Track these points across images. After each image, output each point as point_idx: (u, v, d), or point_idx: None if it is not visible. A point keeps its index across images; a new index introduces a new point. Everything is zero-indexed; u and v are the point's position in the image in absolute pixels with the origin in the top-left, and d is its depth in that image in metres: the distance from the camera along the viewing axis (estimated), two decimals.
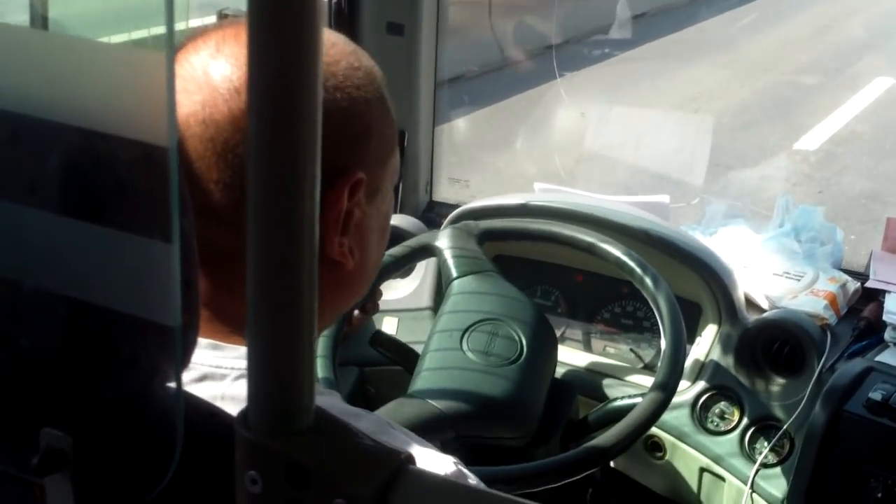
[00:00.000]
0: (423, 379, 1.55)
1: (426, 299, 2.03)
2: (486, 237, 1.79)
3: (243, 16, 0.66)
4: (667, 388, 1.51)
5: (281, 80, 0.55)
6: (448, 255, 1.72)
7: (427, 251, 1.76)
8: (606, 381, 1.85)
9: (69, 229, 0.67)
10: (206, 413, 0.77)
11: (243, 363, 0.93)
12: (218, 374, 0.93)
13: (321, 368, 1.56)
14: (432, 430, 1.46)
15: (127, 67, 0.68)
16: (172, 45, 0.61)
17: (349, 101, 0.96)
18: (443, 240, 1.74)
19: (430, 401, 1.49)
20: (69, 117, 0.67)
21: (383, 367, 1.84)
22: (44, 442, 0.68)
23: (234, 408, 0.68)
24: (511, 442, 1.54)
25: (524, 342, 1.63)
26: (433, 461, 0.96)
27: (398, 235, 2.02)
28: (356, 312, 1.60)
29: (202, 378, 0.93)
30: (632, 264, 1.65)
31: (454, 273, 1.70)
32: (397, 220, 2.10)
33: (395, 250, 1.74)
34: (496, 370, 1.57)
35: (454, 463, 0.98)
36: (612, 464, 1.86)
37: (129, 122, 0.65)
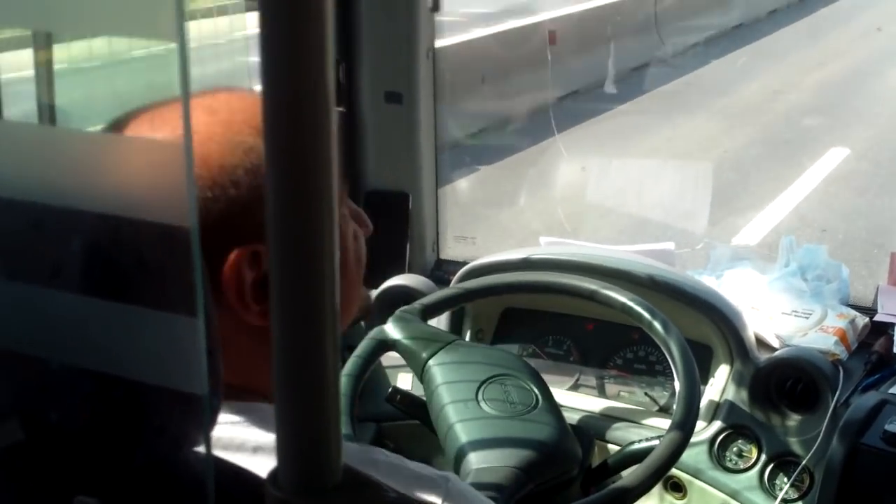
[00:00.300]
0: (458, 437, 1.56)
1: None
2: (428, 313, 1.79)
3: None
4: (684, 428, 1.52)
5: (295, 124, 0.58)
6: (408, 342, 1.70)
7: (385, 346, 1.72)
8: (622, 426, 1.87)
9: (95, 308, 0.69)
10: (232, 475, 0.79)
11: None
12: None
13: (345, 387, 1.58)
14: (520, 490, 1.49)
15: (145, 156, 0.71)
16: (189, 128, 0.64)
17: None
18: (393, 332, 1.72)
19: (495, 464, 1.50)
20: (90, 205, 0.70)
21: (401, 423, 1.85)
22: None
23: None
24: (566, 477, 1.56)
25: (535, 388, 1.65)
26: (433, 478, 1.01)
27: (409, 295, 2.04)
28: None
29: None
30: (637, 308, 1.67)
31: (424, 354, 1.68)
32: (407, 280, 2.13)
33: (359, 352, 1.71)
34: (529, 417, 1.60)
35: (455, 479, 1.00)
36: None
37: (149, 205, 0.68)
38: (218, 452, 0.84)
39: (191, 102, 0.99)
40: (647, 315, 1.65)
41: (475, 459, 1.52)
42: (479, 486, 1.46)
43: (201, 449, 0.75)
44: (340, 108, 2.28)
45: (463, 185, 6.13)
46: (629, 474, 1.51)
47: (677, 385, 1.58)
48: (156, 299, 0.69)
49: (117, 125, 1.00)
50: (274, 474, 0.62)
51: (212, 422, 0.76)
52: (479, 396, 1.61)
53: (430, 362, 1.67)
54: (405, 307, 1.77)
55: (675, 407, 1.57)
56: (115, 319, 0.70)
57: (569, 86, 7.83)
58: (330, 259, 0.59)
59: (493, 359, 1.72)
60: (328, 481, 0.62)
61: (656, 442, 1.55)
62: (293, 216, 0.58)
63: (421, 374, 1.68)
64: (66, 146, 0.72)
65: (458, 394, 1.62)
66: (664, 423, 1.80)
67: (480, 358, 1.71)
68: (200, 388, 0.67)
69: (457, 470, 1.54)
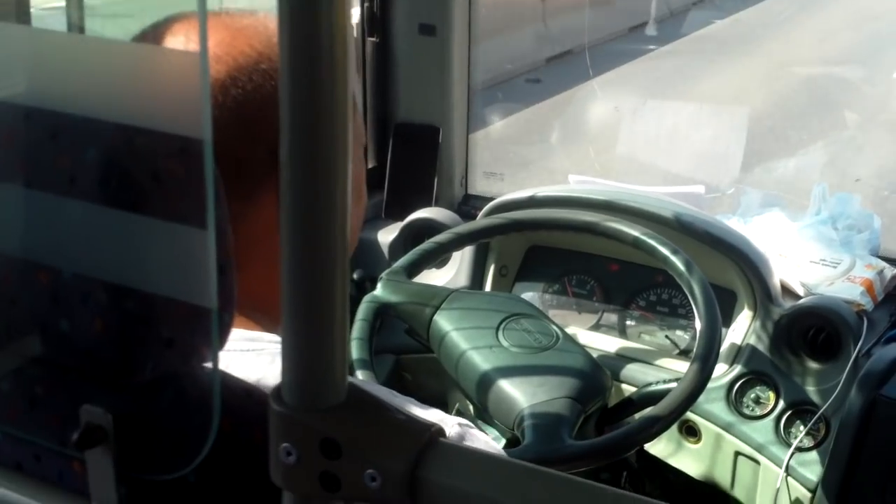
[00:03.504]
0: (494, 382, 1.55)
1: (464, 284, 2.05)
2: (413, 270, 1.77)
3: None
4: (703, 372, 1.51)
5: (312, 67, 0.57)
6: (406, 303, 1.68)
7: (386, 309, 1.69)
8: (642, 367, 1.86)
9: (108, 219, 0.69)
10: (241, 392, 0.79)
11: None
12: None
13: (357, 350, 1.58)
14: (577, 419, 1.49)
15: (162, 66, 0.71)
16: (206, 41, 0.63)
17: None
18: (387, 296, 1.69)
19: (546, 397, 1.50)
20: (107, 114, 0.70)
21: (419, 355, 1.86)
22: (84, 419, 0.71)
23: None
24: (600, 405, 1.57)
25: (550, 324, 1.66)
26: (438, 423, 0.98)
27: (435, 228, 2.04)
28: None
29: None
30: (658, 246, 1.65)
31: (426, 311, 1.66)
32: (434, 213, 2.13)
33: (361, 315, 1.66)
34: (557, 349, 1.61)
35: (459, 423, 1.00)
36: (647, 448, 1.87)
37: (165, 116, 0.68)
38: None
39: (216, 20, 0.98)
40: (668, 253, 1.64)
41: (523, 400, 1.51)
42: (542, 424, 1.46)
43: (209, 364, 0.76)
44: (374, 39, 2.26)
45: (496, 124, 6.10)
46: (644, 417, 1.51)
47: (698, 326, 1.57)
48: (170, 211, 0.69)
49: (152, 33, 0.99)
50: (278, 390, 0.63)
51: (222, 337, 0.77)
52: (501, 340, 1.61)
53: (436, 317, 1.66)
54: (389, 269, 1.74)
55: (694, 350, 1.56)
56: (129, 230, 0.70)
57: (608, 28, 7.76)
58: (342, 179, 0.59)
59: (501, 303, 1.72)
60: (332, 399, 0.62)
61: (674, 385, 1.55)
62: (307, 137, 0.58)
63: (427, 331, 1.66)
64: (85, 53, 0.72)
65: (478, 340, 1.61)
66: (683, 366, 1.80)
67: (486, 304, 1.71)
68: (210, 302, 0.68)
69: (501, 416, 1.53)
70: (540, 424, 1.46)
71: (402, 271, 1.73)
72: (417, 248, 1.81)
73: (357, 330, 1.62)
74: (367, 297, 1.68)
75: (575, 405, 1.50)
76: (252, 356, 0.94)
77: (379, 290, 1.69)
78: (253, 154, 0.96)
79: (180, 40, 0.97)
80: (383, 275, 1.72)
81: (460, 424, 1.00)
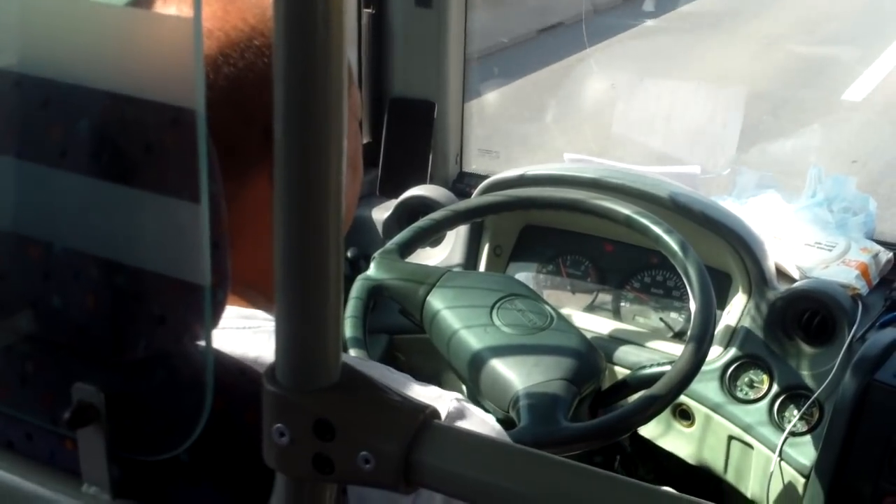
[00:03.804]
0: (487, 362, 1.54)
1: (458, 263, 2.04)
2: (405, 250, 1.75)
3: None
4: (697, 354, 1.51)
5: (307, 58, 0.56)
6: (399, 283, 1.67)
7: (379, 290, 1.67)
8: (636, 349, 1.86)
9: (99, 191, 0.68)
10: (235, 370, 0.78)
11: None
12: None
13: (351, 328, 1.57)
14: (573, 401, 1.48)
15: (154, 33, 0.69)
16: (199, 9, 0.62)
17: None
18: (380, 276, 1.67)
19: (542, 379, 1.49)
20: (98, 82, 0.68)
21: (413, 335, 1.85)
22: (76, 397, 0.70)
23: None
24: (594, 387, 1.56)
25: (544, 304, 1.65)
26: (436, 398, 0.98)
27: (429, 206, 2.03)
28: None
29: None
30: (647, 223, 1.64)
31: (420, 292, 1.65)
32: (428, 190, 2.11)
33: (355, 293, 1.65)
34: (551, 330, 1.59)
35: (456, 399, 0.99)
36: (640, 431, 1.87)
37: (157, 85, 0.66)
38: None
39: None
40: (661, 233, 1.62)
41: (518, 381, 1.50)
42: (537, 406, 1.45)
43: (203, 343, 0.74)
44: (370, 10, 2.24)
45: (490, 98, 6.08)
46: (637, 400, 1.50)
47: (693, 308, 1.56)
48: (162, 184, 0.68)
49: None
50: (272, 370, 0.62)
51: (216, 315, 0.75)
52: (494, 320, 1.60)
53: (430, 299, 1.64)
54: (382, 249, 1.73)
55: (689, 332, 1.55)
56: (121, 204, 0.69)
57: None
58: (337, 157, 0.58)
59: (493, 283, 1.71)
60: (325, 379, 0.61)
61: (668, 367, 1.54)
62: (301, 115, 0.57)
63: (420, 312, 1.65)
64: (75, 17, 0.71)
65: (471, 320, 1.60)
66: (678, 348, 1.80)
67: (480, 283, 1.70)
68: (203, 279, 0.66)
69: (495, 397, 1.52)
70: (536, 406, 1.45)
71: (395, 250, 1.72)
72: (411, 226, 1.80)
73: (350, 308, 1.60)
74: (360, 277, 1.67)
75: (570, 387, 1.49)
76: (248, 334, 0.92)
77: (372, 270, 1.67)
78: (247, 134, 0.93)
79: (172, 7, 0.94)
80: (376, 254, 1.71)
81: (458, 400, 0.99)
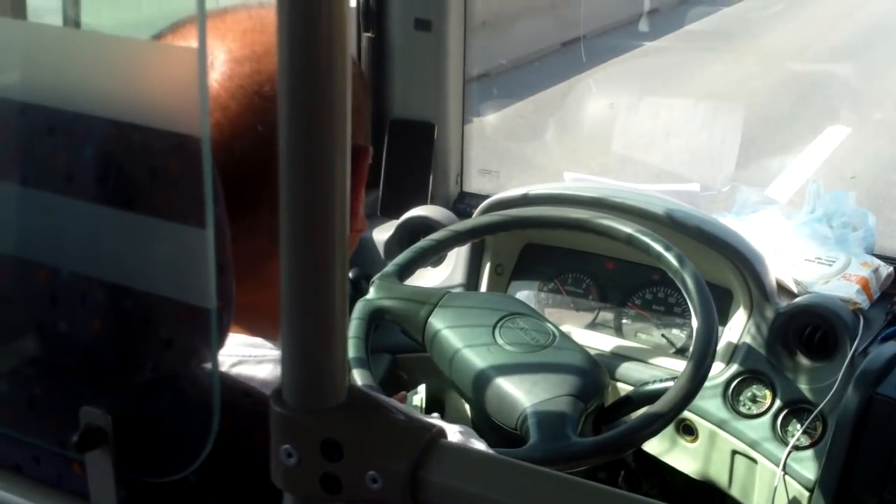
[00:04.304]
0: (491, 381, 1.54)
1: (460, 282, 2.05)
2: (404, 272, 1.75)
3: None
4: (700, 370, 1.51)
5: (311, 64, 0.57)
6: (399, 306, 1.67)
7: (379, 314, 1.66)
8: (638, 366, 1.86)
9: (106, 217, 0.69)
10: (240, 392, 0.79)
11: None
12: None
13: (354, 349, 1.57)
14: (580, 417, 1.49)
15: (159, 63, 0.70)
16: (204, 39, 0.63)
17: None
18: (380, 300, 1.67)
19: (548, 396, 1.49)
20: (104, 111, 0.69)
21: (416, 354, 1.85)
22: (84, 420, 0.70)
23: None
24: (599, 404, 1.56)
25: (546, 322, 1.65)
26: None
27: (430, 226, 2.04)
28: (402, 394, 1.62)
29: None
30: (648, 241, 1.65)
31: (421, 314, 1.65)
32: (429, 211, 2.12)
33: (357, 314, 1.65)
34: (555, 347, 1.60)
35: (459, 432, 1.00)
36: (644, 447, 1.87)
37: (162, 114, 0.67)
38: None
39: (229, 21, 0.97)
40: (662, 250, 1.63)
41: (525, 399, 1.50)
42: (546, 423, 1.45)
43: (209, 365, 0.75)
44: (369, 34, 2.25)
45: (490, 119, 6.09)
46: (641, 416, 1.50)
47: (695, 324, 1.56)
48: (168, 209, 0.69)
49: (170, 34, 0.98)
50: (278, 391, 0.62)
51: (221, 338, 0.76)
52: (497, 339, 1.60)
53: (431, 320, 1.65)
54: (381, 273, 1.73)
55: (691, 349, 1.56)
56: (127, 229, 0.69)
57: (600, 21, 7.75)
58: (342, 179, 0.59)
59: (494, 303, 1.71)
60: (332, 399, 0.62)
61: (670, 383, 1.54)
62: (306, 135, 0.58)
63: (422, 334, 1.66)
64: (80, 48, 0.72)
65: (474, 339, 1.61)
66: (680, 364, 1.80)
67: (481, 303, 1.70)
68: (209, 302, 0.67)
69: (502, 415, 1.52)
70: (544, 422, 1.45)
71: (394, 273, 1.72)
72: (409, 248, 1.80)
73: (353, 328, 1.61)
74: (361, 300, 1.67)
75: (577, 402, 1.50)
76: (254, 363, 0.94)
77: (371, 293, 1.68)
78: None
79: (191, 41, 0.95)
80: (375, 278, 1.71)
81: (461, 433, 1.00)
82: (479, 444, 1.03)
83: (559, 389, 1.51)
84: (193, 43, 0.94)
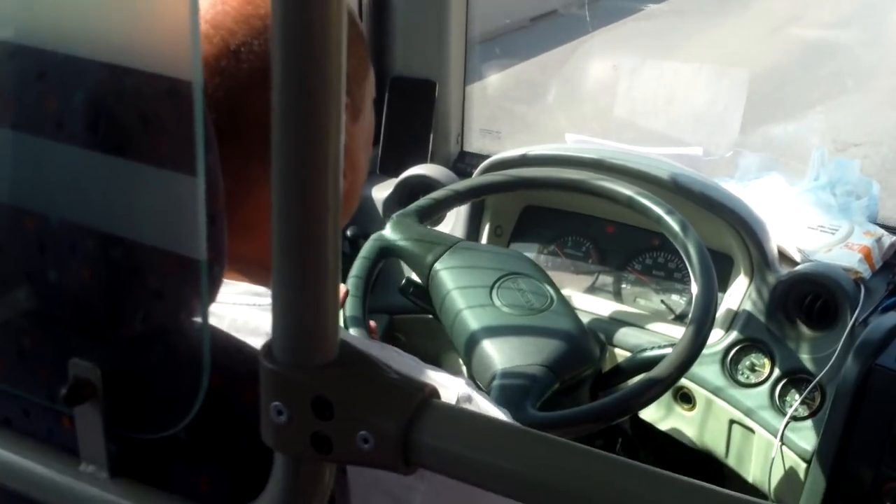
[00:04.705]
0: (477, 339, 1.54)
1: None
2: (424, 215, 1.75)
3: None
4: (698, 336, 1.50)
5: (305, 17, 0.55)
6: (410, 246, 1.67)
7: (388, 251, 1.67)
8: (636, 332, 1.85)
9: (95, 163, 0.67)
10: (234, 350, 0.77)
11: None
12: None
13: (351, 307, 1.56)
14: (548, 387, 1.47)
15: (151, 3, 0.68)
16: None
17: None
18: (393, 237, 1.68)
19: (521, 362, 1.49)
20: (94, 53, 0.67)
21: (413, 315, 1.84)
22: (72, 373, 0.69)
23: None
24: (588, 373, 1.55)
25: (547, 286, 1.64)
26: (446, 383, 0.98)
27: (430, 185, 2.02)
28: (372, 323, 1.61)
29: None
30: (649, 203, 1.63)
31: (428, 258, 1.65)
32: (429, 170, 2.10)
33: (364, 253, 1.66)
34: (546, 313, 1.58)
35: (465, 384, 0.99)
36: (641, 414, 1.86)
37: (153, 56, 0.65)
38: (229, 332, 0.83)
39: None
40: (662, 214, 1.61)
41: (498, 361, 1.50)
42: (509, 388, 1.44)
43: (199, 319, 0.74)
44: None
45: (492, 79, 6.06)
46: (638, 382, 1.49)
47: (695, 290, 1.55)
48: (159, 156, 0.67)
49: None
50: (268, 347, 0.61)
51: (212, 291, 0.74)
52: (494, 299, 1.59)
53: (437, 266, 1.65)
54: (401, 211, 1.73)
55: (690, 315, 1.54)
56: (117, 176, 0.68)
57: None
58: (335, 131, 0.57)
59: (501, 260, 1.70)
60: (323, 356, 0.60)
61: (668, 350, 1.53)
62: (299, 87, 0.56)
63: (427, 278, 1.66)
64: None
65: (473, 299, 1.60)
66: (678, 331, 1.79)
67: (488, 259, 1.69)
68: (199, 253, 0.65)
69: (479, 375, 1.52)
70: (506, 388, 1.45)
71: (413, 214, 1.73)
72: (427, 196, 1.80)
73: (357, 268, 1.61)
74: (373, 236, 1.68)
75: (548, 374, 1.48)
76: (259, 311, 0.93)
77: (387, 230, 1.68)
78: None
79: None
80: (394, 215, 1.72)
81: (467, 384, 0.99)
82: (483, 400, 1.02)
83: (534, 358, 1.50)
84: None
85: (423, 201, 1.77)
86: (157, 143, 0.67)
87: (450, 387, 0.97)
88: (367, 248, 1.66)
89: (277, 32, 0.54)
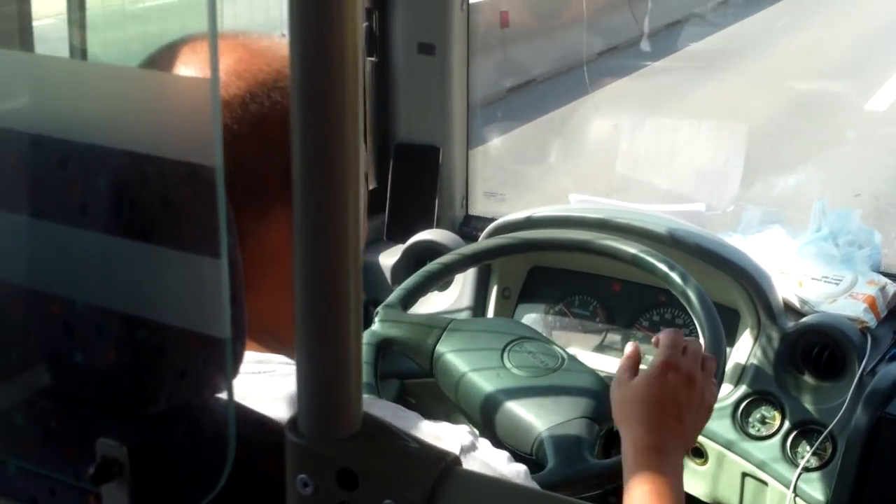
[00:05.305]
0: (501, 405, 1.53)
1: (467, 306, 2.05)
2: (408, 301, 1.73)
3: None
4: None
5: (323, 78, 0.57)
6: (406, 336, 1.65)
7: (386, 345, 1.64)
8: None
9: (120, 248, 0.69)
10: (255, 422, 0.79)
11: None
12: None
13: (363, 375, 1.56)
14: (595, 439, 1.48)
15: (172, 93, 0.70)
16: (217, 69, 0.63)
17: None
18: (386, 331, 1.64)
19: (562, 419, 1.48)
20: (116, 141, 0.69)
21: (424, 380, 1.85)
22: (100, 452, 0.70)
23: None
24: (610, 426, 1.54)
25: (554, 346, 1.64)
26: (448, 434, 1.00)
27: (437, 250, 2.04)
28: None
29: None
30: (653, 261, 1.65)
31: (428, 342, 1.64)
32: (435, 235, 2.12)
33: (365, 359, 1.61)
34: (564, 370, 1.59)
35: (468, 433, 1.00)
36: None
37: (175, 144, 0.67)
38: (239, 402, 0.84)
39: (223, 42, 0.98)
40: (667, 270, 1.63)
41: (539, 423, 1.49)
42: (564, 447, 1.44)
43: (224, 395, 0.75)
44: (372, 58, 2.26)
45: (495, 142, 6.11)
46: None
47: (702, 343, 1.56)
48: (181, 240, 0.69)
49: (158, 58, 0.99)
50: (293, 421, 0.62)
51: (235, 367, 0.76)
52: (506, 363, 1.60)
53: (439, 347, 1.63)
54: (385, 303, 1.71)
55: None
56: (141, 260, 0.69)
57: (605, 43, 7.77)
58: (354, 212, 0.59)
59: (501, 327, 1.71)
60: (347, 429, 0.62)
61: None
62: (319, 165, 0.58)
63: (430, 362, 1.64)
64: (92, 80, 0.72)
65: (481, 363, 1.60)
66: None
67: (488, 328, 1.70)
68: (223, 332, 0.67)
69: (515, 439, 1.51)
70: (561, 446, 1.44)
71: (397, 303, 1.70)
72: (415, 274, 1.79)
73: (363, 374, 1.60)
74: (367, 331, 1.65)
75: (591, 425, 1.49)
76: (265, 378, 0.94)
77: (376, 325, 1.66)
78: (268, 171, 0.96)
79: (193, 68, 0.96)
80: (378, 309, 1.69)
81: (469, 434, 1.01)
82: (487, 446, 1.03)
83: (572, 412, 1.50)
84: (188, 67, 0.96)
85: (409, 282, 1.76)
86: (179, 226, 0.69)
87: (451, 438, 0.99)
88: (366, 353, 1.61)
89: (295, 82, 0.56)
